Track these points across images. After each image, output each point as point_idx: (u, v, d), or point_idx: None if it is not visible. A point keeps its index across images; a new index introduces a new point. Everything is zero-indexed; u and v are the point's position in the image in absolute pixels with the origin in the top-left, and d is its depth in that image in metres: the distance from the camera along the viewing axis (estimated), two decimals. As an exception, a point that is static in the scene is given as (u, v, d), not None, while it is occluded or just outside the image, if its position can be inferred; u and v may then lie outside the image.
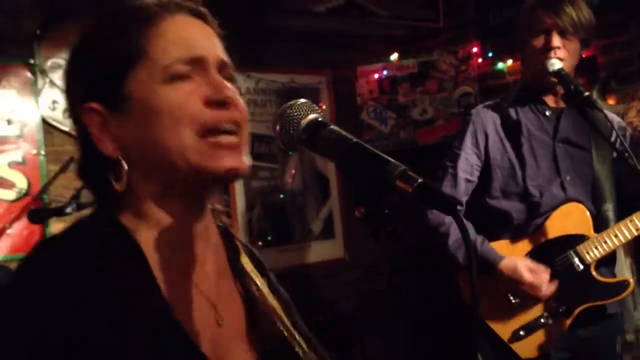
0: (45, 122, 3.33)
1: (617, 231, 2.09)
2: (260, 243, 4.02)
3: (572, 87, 2.00)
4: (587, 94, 1.99)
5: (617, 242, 2.09)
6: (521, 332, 2.13)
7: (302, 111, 0.84)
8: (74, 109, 0.93)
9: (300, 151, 0.85)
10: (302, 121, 0.84)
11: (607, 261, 2.18)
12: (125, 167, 0.88)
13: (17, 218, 3.24)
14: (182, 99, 0.86)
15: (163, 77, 0.87)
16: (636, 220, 2.08)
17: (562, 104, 2.22)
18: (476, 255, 2.10)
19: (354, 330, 4.18)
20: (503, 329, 2.15)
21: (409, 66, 4.21)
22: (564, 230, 2.13)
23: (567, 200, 2.15)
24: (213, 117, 0.87)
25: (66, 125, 3.39)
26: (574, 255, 2.12)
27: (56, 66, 3.36)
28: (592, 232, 2.12)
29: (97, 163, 0.92)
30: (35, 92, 3.30)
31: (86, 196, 3.19)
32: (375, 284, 4.21)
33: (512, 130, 2.21)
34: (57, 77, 3.36)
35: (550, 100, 2.22)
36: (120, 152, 0.90)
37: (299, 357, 1.00)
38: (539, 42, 2.11)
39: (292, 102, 0.85)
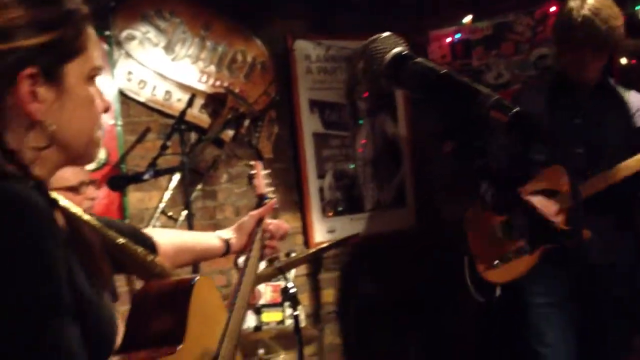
0: (121, 93, 3.41)
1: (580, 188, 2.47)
2: (330, 214, 4.02)
3: None
4: None
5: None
6: (496, 262, 2.66)
7: (386, 45, 0.81)
8: (12, 70, 0.97)
9: (385, 87, 0.82)
10: (387, 55, 0.80)
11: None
12: (53, 127, 0.99)
13: (97, 188, 3.34)
14: (95, 97, 1.06)
15: (88, 75, 1.04)
16: (594, 179, 2.48)
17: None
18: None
19: (425, 299, 4.14)
20: (483, 259, 2.71)
21: (483, 29, 4.07)
22: (544, 185, 2.59)
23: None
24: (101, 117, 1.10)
25: (142, 96, 3.46)
26: None
27: (131, 37, 3.43)
28: (564, 189, 2.54)
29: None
30: (111, 63, 3.37)
31: (162, 164, 3.27)
32: (447, 252, 4.14)
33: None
34: (132, 48, 3.43)
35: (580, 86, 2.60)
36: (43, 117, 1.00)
37: None
38: (574, 54, 2.50)
39: (374, 36, 0.82)
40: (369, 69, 0.81)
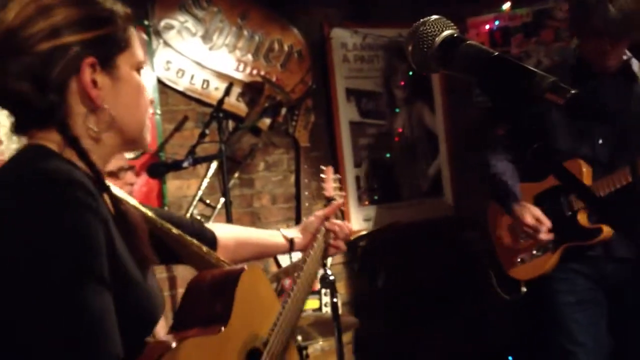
0: (160, 82, 3.44)
1: (597, 186, 2.44)
2: (366, 202, 4.02)
3: None
4: None
5: (600, 195, 2.44)
6: (519, 260, 2.68)
7: (437, 28, 0.80)
8: (76, 59, 1.07)
9: (434, 70, 0.81)
10: (437, 38, 0.79)
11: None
12: (112, 113, 1.10)
13: (136, 175, 3.39)
14: (144, 87, 1.18)
15: (136, 67, 1.16)
16: (613, 178, 2.41)
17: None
18: (506, 190, 2.64)
19: (460, 288, 4.12)
20: (507, 257, 2.72)
21: (522, 16, 4.01)
22: None
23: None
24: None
25: (180, 85, 3.49)
26: (564, 202, 2.55)
27: (169, 27, 3.46)
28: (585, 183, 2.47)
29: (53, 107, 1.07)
30: (150, 52, 3.40)
31: (200, 152, 3.30)
32: (484, 241, 4.10)
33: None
34: (171, 37, 3.46)
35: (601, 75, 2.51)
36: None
37: None
38: (592, 44, 2.42)
39: (424, 19, 0.81)
40: (419, 51, 0.81)
